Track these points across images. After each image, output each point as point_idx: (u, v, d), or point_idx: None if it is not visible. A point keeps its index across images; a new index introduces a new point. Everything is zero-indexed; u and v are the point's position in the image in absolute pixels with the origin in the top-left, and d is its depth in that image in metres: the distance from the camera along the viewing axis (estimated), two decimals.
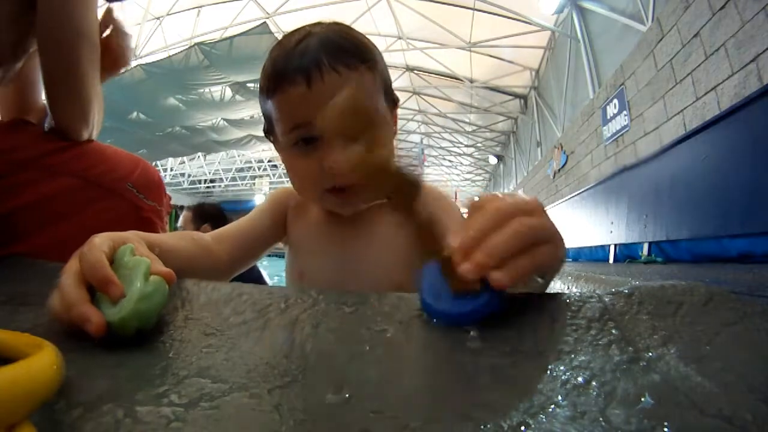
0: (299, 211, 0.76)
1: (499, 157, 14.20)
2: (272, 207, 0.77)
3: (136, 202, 0.91)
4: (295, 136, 0.60)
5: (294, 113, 0.58)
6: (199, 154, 15.19)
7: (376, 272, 0.66)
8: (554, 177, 6.90)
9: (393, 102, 0.67)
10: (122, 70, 0.98)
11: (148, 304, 0.35)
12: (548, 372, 0.29)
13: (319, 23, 0.62)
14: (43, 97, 0.85)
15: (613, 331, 0.33)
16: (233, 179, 21.09)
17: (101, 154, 0.90)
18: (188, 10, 7.95)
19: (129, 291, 0.36)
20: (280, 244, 0.81)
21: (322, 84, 0.55)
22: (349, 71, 0.56)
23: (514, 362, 0.31)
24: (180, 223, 2.53)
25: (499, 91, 10.47)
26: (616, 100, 4.45)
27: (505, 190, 13.30)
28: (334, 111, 0.35)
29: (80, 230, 0.86)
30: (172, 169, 18.98)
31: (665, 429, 0.23)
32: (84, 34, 0.80)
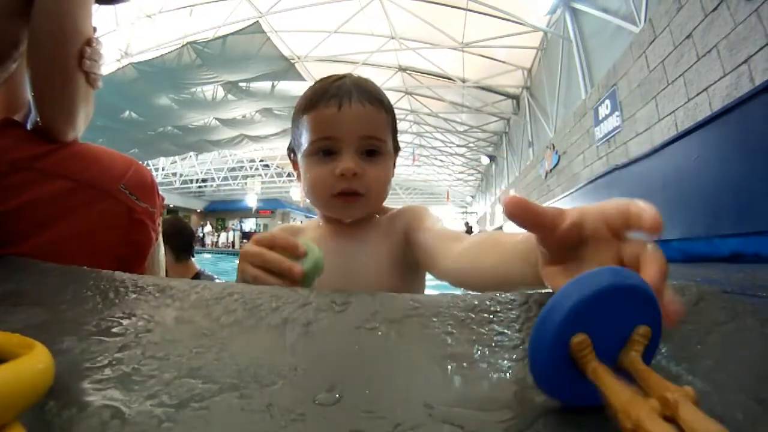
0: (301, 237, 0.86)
1: (492, 158, 14.24)
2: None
3: (129, 204, 0.89)
4: (317, 147, 0.74)
5: (323, 127, 0.73)
6: (191, 153, 15.11)
7: (372, 277, 0.79)
8: (546, 177, 6.94)
9: (396, 148, 0.83)
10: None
11: (322, 262, 0.56)
12: None
13: (350, 74, 0.80)
14: (28, 95, 0.83)
15: None
16: (225, 179, 21.02)
17: (94, 155, 0.89)
18: (180, 8, 7.89)
19: (310, 253, 0.55)
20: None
21: (349, 109, 0.72)
22: (370, 105, 0.73)
23: (514, 362, 0.31)
24: None
25: (491, 91, 10.51)
26: (608, 101, 4.48)
27: (498, 190, 13.37)
28: None
29: (73, 232, 0.85)
30: (163, 169, 18.88)
31: None
32: (78, 32, 0.79)
